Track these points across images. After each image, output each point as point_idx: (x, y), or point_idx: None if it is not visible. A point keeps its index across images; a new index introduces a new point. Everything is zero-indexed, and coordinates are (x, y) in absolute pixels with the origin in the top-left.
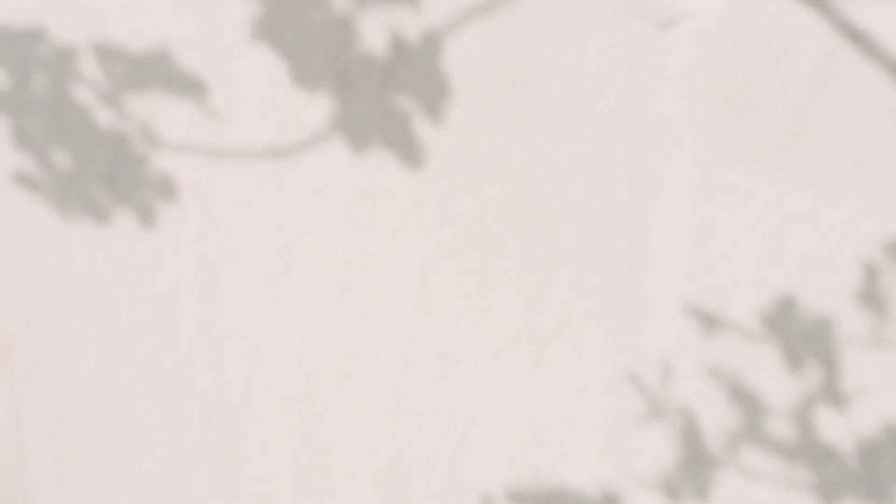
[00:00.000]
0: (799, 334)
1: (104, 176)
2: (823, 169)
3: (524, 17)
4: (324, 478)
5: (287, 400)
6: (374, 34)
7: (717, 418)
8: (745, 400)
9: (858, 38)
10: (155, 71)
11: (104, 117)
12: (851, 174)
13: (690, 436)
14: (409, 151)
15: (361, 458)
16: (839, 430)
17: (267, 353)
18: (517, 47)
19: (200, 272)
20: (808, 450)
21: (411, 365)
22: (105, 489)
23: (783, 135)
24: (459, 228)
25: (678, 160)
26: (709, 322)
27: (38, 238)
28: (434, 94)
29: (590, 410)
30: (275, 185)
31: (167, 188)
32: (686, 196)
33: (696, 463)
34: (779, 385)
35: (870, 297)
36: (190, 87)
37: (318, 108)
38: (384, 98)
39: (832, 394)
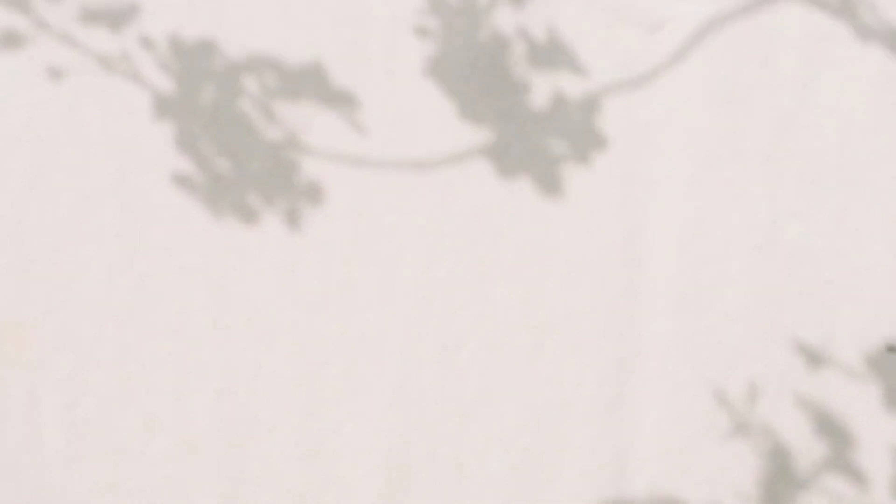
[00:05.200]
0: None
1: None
2: (811, 165)
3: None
4: (329, 462)
5: (294, 386)
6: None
7: (709, 405)
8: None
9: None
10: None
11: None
12: (839, 170)
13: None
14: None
15: (366, 443)
16: None
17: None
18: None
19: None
20: None
21: (414, 354)
22: (117, 470)
23: (771, 133)
24: (459, 224)
25: (670, 158)
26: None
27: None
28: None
29: (586, 399)
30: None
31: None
32: (678, 193)
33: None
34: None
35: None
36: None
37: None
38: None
39: None
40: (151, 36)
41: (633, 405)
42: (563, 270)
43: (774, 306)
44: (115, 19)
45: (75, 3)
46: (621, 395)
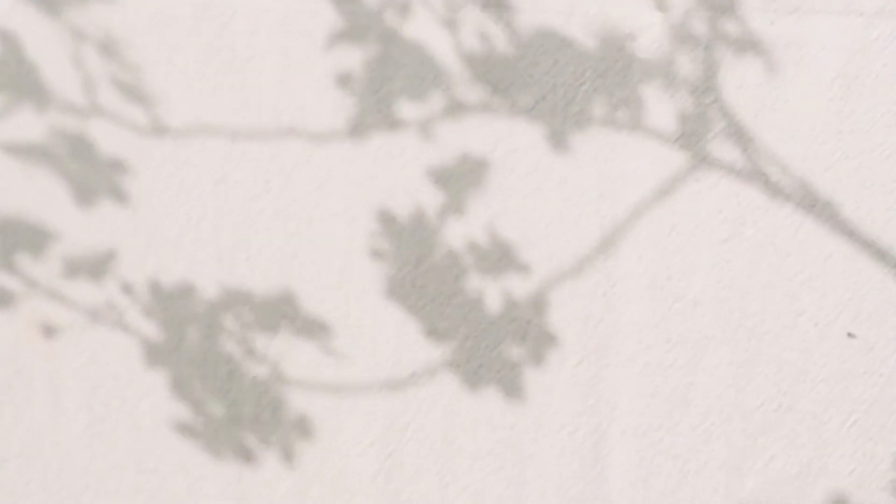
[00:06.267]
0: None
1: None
2: (773, 165)
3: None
4: (327, 441)
5: (296, 369)
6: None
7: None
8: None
9: (797, 47)
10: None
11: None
12: (799, 169)
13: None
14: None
15: (360, 425)
16: None
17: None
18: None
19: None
20: None
21: (405, 340)
22: (134, 449)
23: (736, 134)
24: (449, 219)
25: (642, 157)
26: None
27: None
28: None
29: (565, 380)
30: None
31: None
32: (650, 188)
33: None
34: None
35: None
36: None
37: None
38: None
39: None
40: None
41: (610, 385)
42: (546, 260)
43: (740, 295)
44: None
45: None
46: (598, 377)
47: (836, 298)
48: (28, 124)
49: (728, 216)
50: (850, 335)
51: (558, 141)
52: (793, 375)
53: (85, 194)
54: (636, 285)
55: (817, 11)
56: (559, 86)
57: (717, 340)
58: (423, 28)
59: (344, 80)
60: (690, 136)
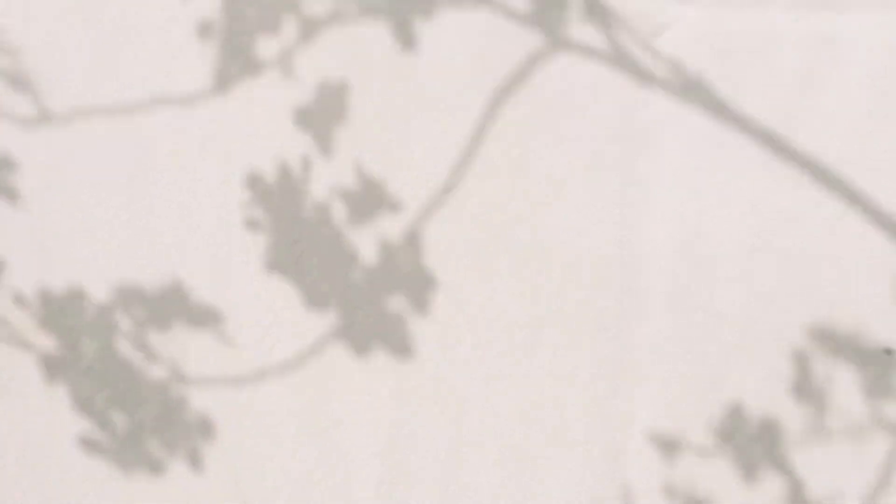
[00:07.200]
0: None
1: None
2: (809, 169)
3: (515, 26)
4: (331, 451)
5: (299, 380)
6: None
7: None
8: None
9: (837, 45)
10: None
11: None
12: (837, 174)
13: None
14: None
15: (366, 435)
16: None
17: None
18: (510, 54)
19: None
20: None
21: (413, 350)
22: (128, 456)
23: (769, 137)
24: (462, 224)
25: (668, 161)
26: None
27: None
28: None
29: (579, 395)
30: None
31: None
32: (675, 196)
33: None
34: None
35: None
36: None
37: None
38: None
39: None
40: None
41: (626, 400)
42: (561, 269)
43: (767, 307)
44: None
45: None
46: (615, 391)
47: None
48: None
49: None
50: (887, 352)
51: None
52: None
53: None
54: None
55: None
56: None
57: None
58: None
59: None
60: None
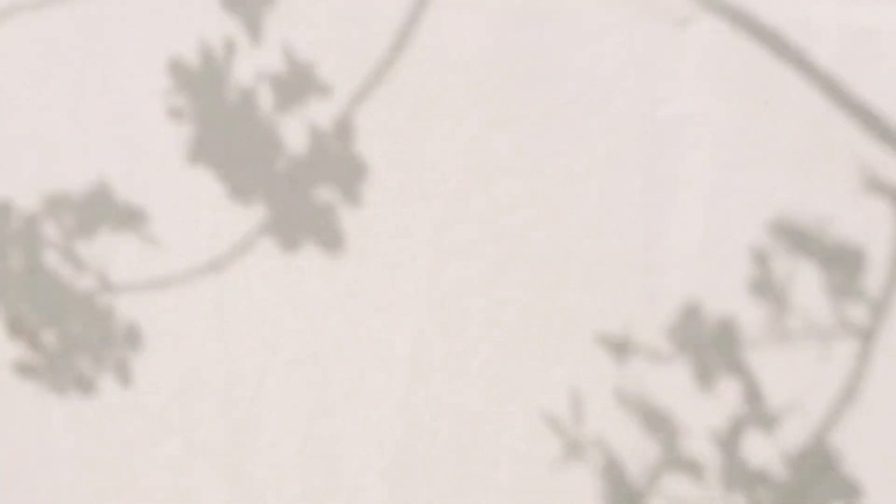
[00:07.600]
0: None
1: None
2: (845, 168)
3: (536, 16)
4: (333, 469)
5: (298, 392)
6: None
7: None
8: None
9: (873, 36)
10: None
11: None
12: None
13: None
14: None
15: (370, 451)
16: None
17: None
18: (529, 46)
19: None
20: None
21: (421, 359)
22: (123, 475)
23: (802, 134)
24: (471, 226)
25: (693, 160)
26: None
27: None
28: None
29: (599, 407)
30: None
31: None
32: (701, 196)
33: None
34: None
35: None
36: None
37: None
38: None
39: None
40: None
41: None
42: (581, 273)
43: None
44: None
45: None
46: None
47: None
48: None
49: None
50: None
51: None
52: None
53: None
54: None
55: None
56: None
57: None
58: None
59: None
60: None
